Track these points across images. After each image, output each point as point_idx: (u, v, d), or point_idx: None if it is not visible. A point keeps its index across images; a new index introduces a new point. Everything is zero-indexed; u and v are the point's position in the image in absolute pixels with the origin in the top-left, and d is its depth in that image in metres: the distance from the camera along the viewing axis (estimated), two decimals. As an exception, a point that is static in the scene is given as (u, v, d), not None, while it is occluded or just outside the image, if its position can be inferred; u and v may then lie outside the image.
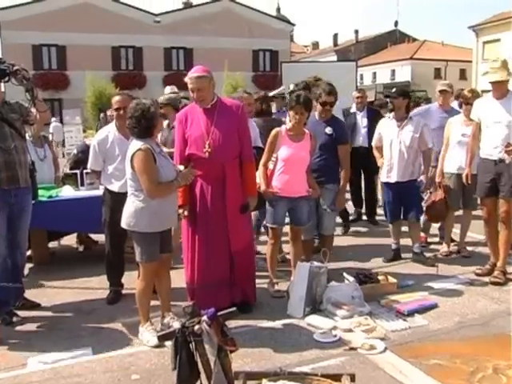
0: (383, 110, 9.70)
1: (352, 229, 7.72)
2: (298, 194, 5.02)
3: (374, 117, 7.70)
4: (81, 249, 7.05)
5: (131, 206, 4.04)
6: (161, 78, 34.64)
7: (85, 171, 6.05)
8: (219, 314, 3.04)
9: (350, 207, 8.00)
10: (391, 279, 5.26)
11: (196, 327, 2.94)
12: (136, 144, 3.97)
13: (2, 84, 4.32)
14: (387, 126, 6.12)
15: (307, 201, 5.14)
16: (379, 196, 9.14)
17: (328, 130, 5.41)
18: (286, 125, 5.15)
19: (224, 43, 34.99)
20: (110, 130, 5.04)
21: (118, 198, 4.60)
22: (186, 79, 4.46)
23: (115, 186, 4.94)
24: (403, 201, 6.03)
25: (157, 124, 4.05)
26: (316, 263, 4.81)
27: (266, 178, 5.05)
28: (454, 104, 7.37)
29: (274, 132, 5.12)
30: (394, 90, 6.13)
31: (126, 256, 5.22)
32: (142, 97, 4.37)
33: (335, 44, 62.34)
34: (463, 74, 48.85)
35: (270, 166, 5.09)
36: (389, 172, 6.04)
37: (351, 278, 4.96)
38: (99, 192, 5.61)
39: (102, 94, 26.78)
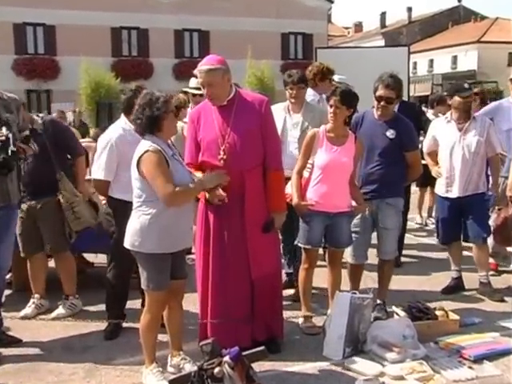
0: (438, 108, 9.56)
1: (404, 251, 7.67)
2: (338, 208, 5.03)
3: (409, 114, 6.39)
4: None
5: (136, 221, 4.08)
6: (170, 66, 34.88)
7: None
8: (244, 354, 3.04)
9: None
10: (452, 315, 5.23)
11: (216, 370, 2.96)
12: (143, 145, 4.02)
13: None
14: (444, 129, 6.06)
15: (349, 217, 5.14)
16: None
17: (389, 133, 5.27)
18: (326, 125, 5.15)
19: (247, 25, 35.04)
20: (124, 128, 5.02)
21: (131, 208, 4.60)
22: (195, 72, 4.52)
23: (131, 196, 4.88)
24: (464, 219, 6.00)
25: (165, 117, 4.03)
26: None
27: (300, 189, 5.07)
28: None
29: (310, 133, 5.14)
30: (466, 85, 6.01)
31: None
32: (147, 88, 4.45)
33: (383, 25, 62.42)
34: (547, 60, 48.31)
35: (306, 174, 5.11)
36: (449, 185, 5.99)
37: (402, 313, 4.95)
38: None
39: (100, 85, 26.91)
